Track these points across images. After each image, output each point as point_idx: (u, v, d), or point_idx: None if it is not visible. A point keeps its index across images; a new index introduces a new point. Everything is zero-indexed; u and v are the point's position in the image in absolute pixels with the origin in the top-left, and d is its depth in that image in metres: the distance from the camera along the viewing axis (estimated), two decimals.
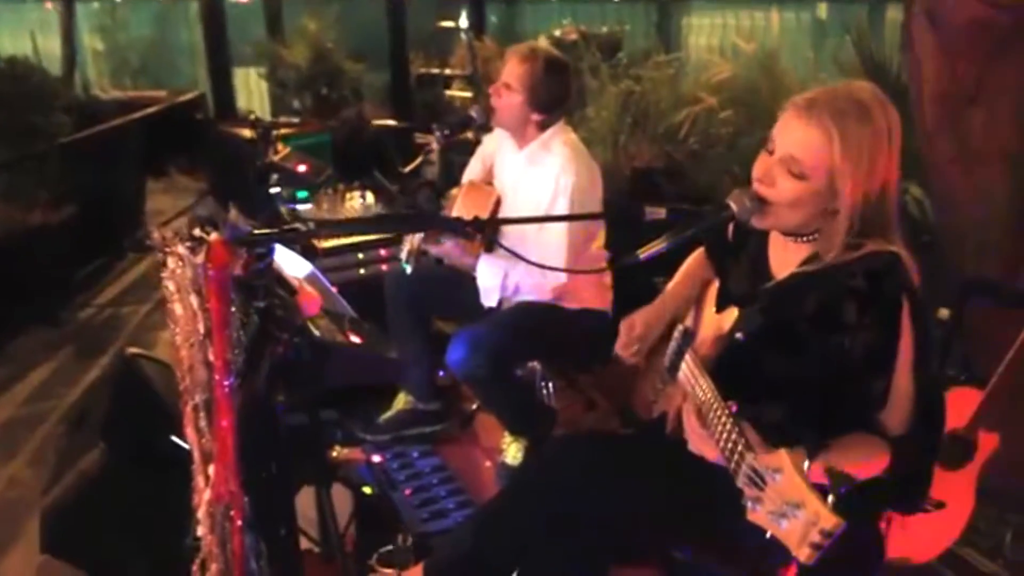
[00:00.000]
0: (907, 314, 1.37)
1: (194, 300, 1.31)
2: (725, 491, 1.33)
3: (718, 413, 1.37)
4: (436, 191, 5.54)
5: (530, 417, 2.77)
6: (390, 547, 2.29)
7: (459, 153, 5.70)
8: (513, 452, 2.77)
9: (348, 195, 3.61)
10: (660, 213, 1.49)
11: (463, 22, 6.00)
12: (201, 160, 6.19)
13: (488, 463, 2.89)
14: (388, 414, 2.97)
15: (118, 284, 4.60)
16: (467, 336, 2.49)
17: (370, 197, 3.65)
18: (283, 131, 3.91)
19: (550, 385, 3.00)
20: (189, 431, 1.42)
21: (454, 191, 4.37)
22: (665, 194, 4.53)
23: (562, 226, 2.50)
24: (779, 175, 1.44)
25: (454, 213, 2.67)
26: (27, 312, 3.85)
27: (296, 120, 3.51)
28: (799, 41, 5.18)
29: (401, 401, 2.98)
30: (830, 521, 1.06)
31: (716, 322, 1.63)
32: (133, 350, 2.89)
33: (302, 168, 2.69)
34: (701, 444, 1.44)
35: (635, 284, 3.04)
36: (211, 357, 1.33)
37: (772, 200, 1.46)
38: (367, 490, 2.54)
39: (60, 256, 4.07)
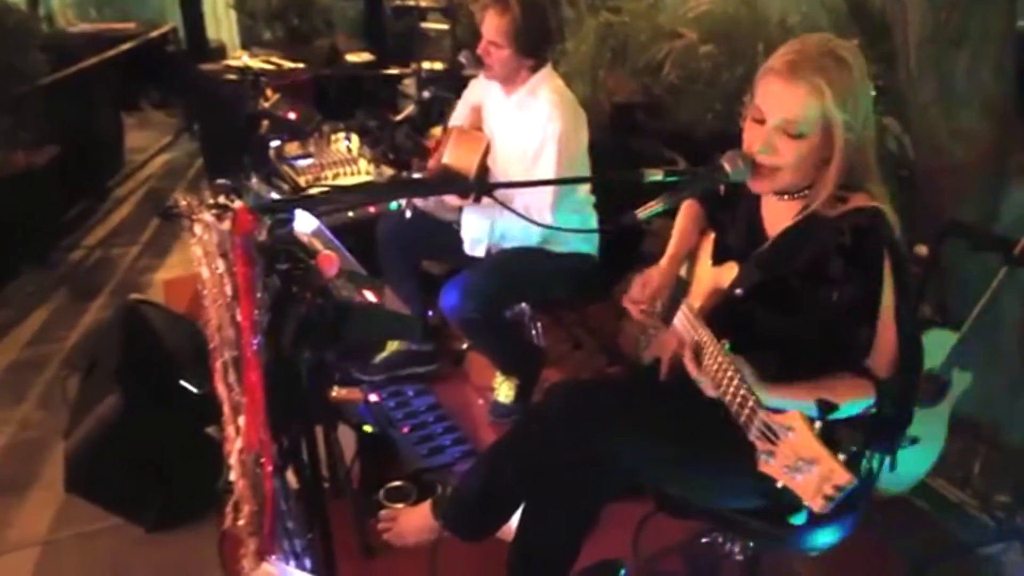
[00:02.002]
0: (888, 268, 1.46)
1: (221, 264, 1.38)
2: (721, 432, 1.44)
3: (724, 367, 1.44)
4: (415, 129, 5.56)
5: (521, 357, 2.88)
6: (397, 483, 2.43)
7: (436, 89, 5.69)
8: (505, 391, 2.89)
9: (333, 137, 3.63)
10: (657, 174, 1.55)
11: None
12: (176, 97, 6.10)
13: (480, 401, 3.01)
14: (383, 355, 3.07)
15: (105, 225, 4.59)
16: (459, 283, 2.57)
17: (355, 139, 3.66)
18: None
19: (538, 325, 3.11)
20: (219, 386, 1.50)
21: (435, 130, 4.40)
22: (646, 130, 4.57)
23: (550, 170, 2.56)
24: (779, 141, 1.50)
25: (445, 159, 2.72)
26: (18, 256, 3.87)
27: (288, 65, 3.48)
28: None
29: (395, 342, 3.08)
30: (843, 477, 1.16)
31: (714, 275, 1.70)
32: (135, 296, 2.96)
33: (292, 115, 2.71)
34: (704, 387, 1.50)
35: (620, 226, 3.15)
36: (239, 317, 1.41)
37: (778, 166, 1.52)
38: (368, 428, 2.64)
39: (46, 198, 4.06)
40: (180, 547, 2.33)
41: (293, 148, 3.29)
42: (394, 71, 4.72)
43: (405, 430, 2.74)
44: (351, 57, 5.76)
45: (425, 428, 2.77)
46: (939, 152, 2.64)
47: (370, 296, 1.47)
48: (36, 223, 4.02)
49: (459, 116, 3.01)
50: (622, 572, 2.01)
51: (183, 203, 1.37)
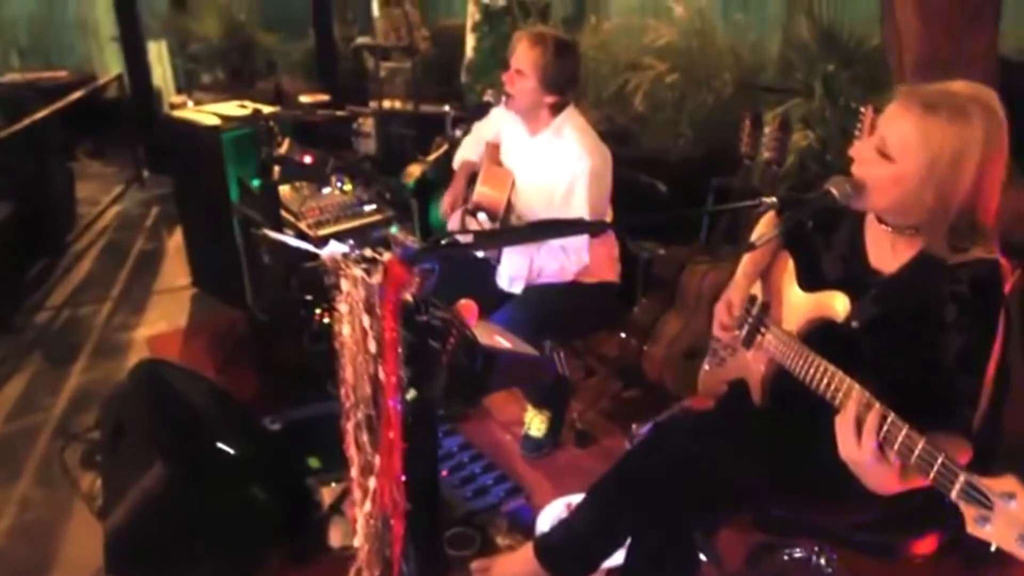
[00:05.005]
0: (1001, 320, 1.49)
1: (365, 320, 1.33)
2: (833, 450, 1.46)
3: (888, 419, 1.37)
4: (377, 165, 5.50)
5: (553, 390, 2.88)
6: (455, 530, 2.37)
7: (396, 125, 5.67)
8: (537, 424, 2.88)
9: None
10: (773, 201, 1.58)
11: None
12: (124, 147, 5.86)
13: (508, 437, 2.98)
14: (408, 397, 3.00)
15: (67, 282, 4.32)
16: (500, 320, 2.54)
17: (347, 181, 3.59)
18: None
19: (562, 355, 3.10)
20: (351, 448, 1.44)
21: (412, 167, 4.36)
22: (618, 159, 4.66)
23: (583, 208, 2.59)
24: (870, 154, 1.53)
25: (475, 196, 2.72)
26: None
27: (267, 109, 3.38)
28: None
29: None
30: None
31: (812, 302, 1.69)
32: (148, 358, 2.80)
33: (308, 159, 2.64)
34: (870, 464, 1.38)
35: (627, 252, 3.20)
36: (380, 374, 1.35)
37: (860, 177, 1.54)
38: None
39: (4, 259, 3.82)
40: None
41: (293, 193, 3.21)
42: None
43: (444, 473, 2.67)
44: (304, 98, 5.68)
45: (463, 469, 2.72)
46: None
47: (504, 341, 1.44)
48: None
49: (467, 154, 3.00)
50: None
51: (327, 258, 1.32)
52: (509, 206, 2.73)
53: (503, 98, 2.69)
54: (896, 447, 1.33)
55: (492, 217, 2.70)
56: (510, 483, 2.66)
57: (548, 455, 2.87)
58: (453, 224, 2.82)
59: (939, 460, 1.26)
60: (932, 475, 1.26)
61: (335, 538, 2.40)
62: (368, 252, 1.30)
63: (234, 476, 2.29)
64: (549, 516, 2.42)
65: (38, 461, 2.89)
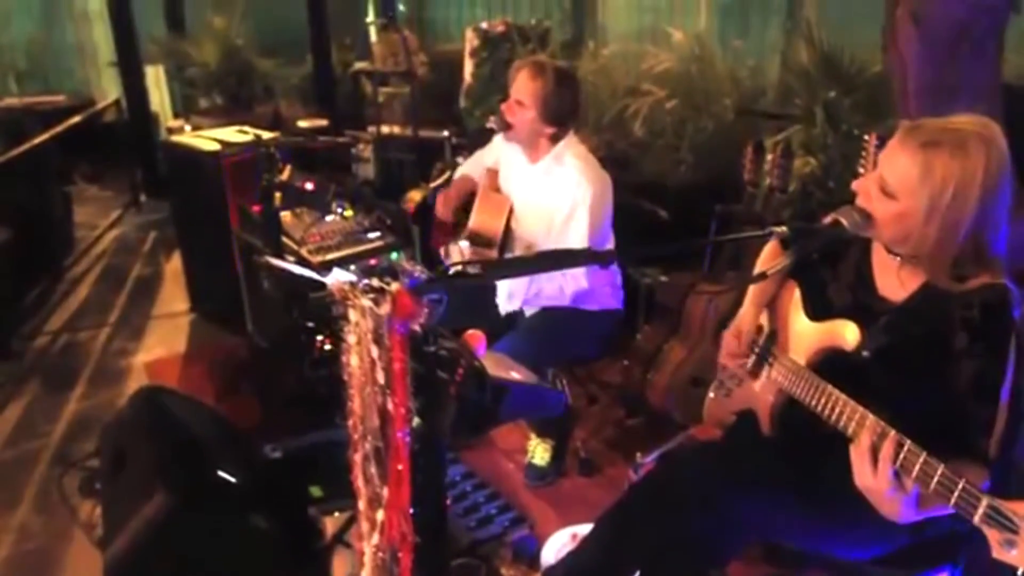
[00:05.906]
0: (1013, 346, 1.48)
1: (374, 351, 1.31)
2: (843, 483, 1.45)
3: (904, 446, 1.36)
4: (376, 190, 5.49)
5: (556, 418, 2.85)
6: (460, 560, 2.34)
7: (394, 150, 5.67)
8: (540, 453, 2.86)
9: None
10: (783, 231, 1.57)
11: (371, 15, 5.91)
12: (122, 171, 5.86)
13: (511, 465, 2.96)
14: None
15: (65, 307, 4.29)
16: (502, 348, 2.52)
17: (347, 207, 3.57)
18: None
19: (564, 383, 3.08)
20: (358, 480, 1.41)
21: (412, 193, 4.36)
22: (617, 184, 4.66)
23: (583, 233, 2.58)
24: (873, 190, 1.54)
25: (472, 224, 2.71)
26: None
27: (266, 135, 3.36)
28: (726, 24, 5.40)
29: None
30: None
31: (821, 331, 1.68)
32: (148, 385, 2.77)
33: (309, 186, 2.63)
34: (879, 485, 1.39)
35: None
36: (389, 406, 1.33)
37: (869, 213, 1.54)
38: None
39: (1, 283, 3.80)
40: None
41: (295, 219, 3.19)
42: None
43: (447, 502, 2.63)
44: (303, 123, 5.69)
45: (467, 498, 2.68)
46: None
47: (514, 372, 1.43)
48: None
49: (470, 171, 3.00)
50: None
51: (335, 287, 1.30)
52: (507, 232, 2.72)
53: (503, 126, 2.68)
54: (914, 474, 1.33)
55: (489, 244, 2.69)
56: (514, 512, 2.63)
57: (552, 484, 2.85)
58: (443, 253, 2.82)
59: (960, 485, 1.25)
60: (953, 500, 1.26)
61: (339, 569, 2.37)
62: (375, 282, 1.28)
63: (235, 505, 2.26)
64: (554, 546, 2.39)
65: (36, 488, 2.86)
